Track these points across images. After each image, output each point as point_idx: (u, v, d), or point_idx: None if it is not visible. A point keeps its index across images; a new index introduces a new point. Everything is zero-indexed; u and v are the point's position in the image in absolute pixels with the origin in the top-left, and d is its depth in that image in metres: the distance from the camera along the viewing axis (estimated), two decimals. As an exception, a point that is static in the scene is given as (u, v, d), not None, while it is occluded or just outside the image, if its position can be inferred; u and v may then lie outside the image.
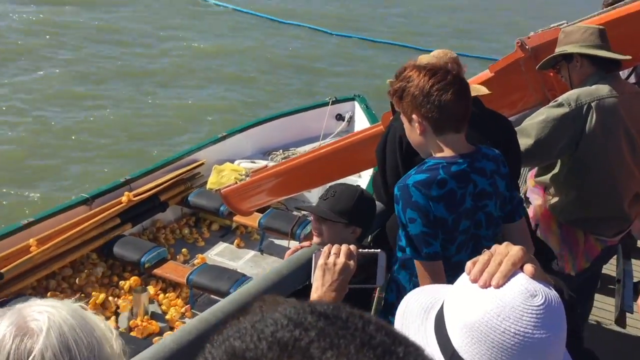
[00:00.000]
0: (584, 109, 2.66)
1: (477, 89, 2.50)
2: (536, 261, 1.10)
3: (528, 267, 1.06)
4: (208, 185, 5.68)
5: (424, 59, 2.41)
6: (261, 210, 5.20)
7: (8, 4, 12.45)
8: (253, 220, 5.24)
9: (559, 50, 2.78)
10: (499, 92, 3.16)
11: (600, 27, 2.75)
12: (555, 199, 2.93)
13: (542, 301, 1.01)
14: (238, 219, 5.33)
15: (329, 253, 1.61)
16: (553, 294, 1.03)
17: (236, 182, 4.46)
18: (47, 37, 11.09)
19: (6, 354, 0.95)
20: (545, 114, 2.71)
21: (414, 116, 1.97)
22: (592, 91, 2.68)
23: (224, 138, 6.14)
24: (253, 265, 5.16)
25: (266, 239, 5.42)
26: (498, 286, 1.03)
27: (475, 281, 1.05)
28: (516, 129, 2.66)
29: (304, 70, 11.49)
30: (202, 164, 5.85)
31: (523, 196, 3.22)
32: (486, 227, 2.04)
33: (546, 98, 3.15)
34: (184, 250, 5.18)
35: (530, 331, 0.98)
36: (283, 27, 14.70)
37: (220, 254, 5.32)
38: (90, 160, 7.09)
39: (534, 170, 3.09)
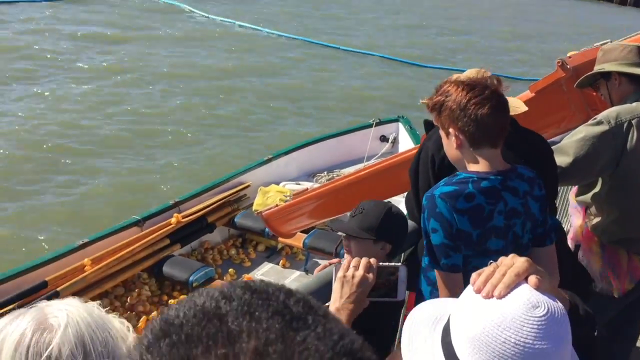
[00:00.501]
0: (624, 127, 2.62)
1: (515, 106, 2.50)
2: (544, 272, 1.12)
3: (532, 279, 1.07)
4: (254, 207, 5.79)
5: (462, 76, 2.44)
6: (306, 231, 5.26)
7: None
8: (298, 241, 5.30)
9: (597, 68, 2.76)
10: (541, 112, 3.16)
11: (638, 45, 2.73)
12: (597, 219, 2.88)
13: (544, 312, 1.01)
14: (283, 239, 5.41)
15: (349, 266, 1.63)
16: (557, 305, 1.03)
17: (277, 205, 4.53)
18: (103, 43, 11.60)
19: (26, 346, 1.01)
20: (584, 132, 2.68)
21: (451, 130, 2.01)
22: (633, 108, 2.65)
23: (269, 160, 6.26)
24: (298, 286, 5.20)
25: (311, 259, 5.47)
26: (500, 297, 1.04)
27: (479, 292, 1.07)
28: (554, 147, 2.64)
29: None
30: (249, 186, 5.98)
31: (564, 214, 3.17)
32: (514, 248, 2.02)
33: (589, 117, 3.12)
34: (231, 270, 5.29)
35: (530, 342, 0.98)
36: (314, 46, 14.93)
37: (266, 274, 5.40)
38: (141, 182, 7.35)
39: (575, 188, 3.05)
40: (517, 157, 2.24)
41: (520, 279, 1.08)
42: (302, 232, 5.09)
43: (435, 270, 2.01)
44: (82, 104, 9.54)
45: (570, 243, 3.07)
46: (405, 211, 2.59)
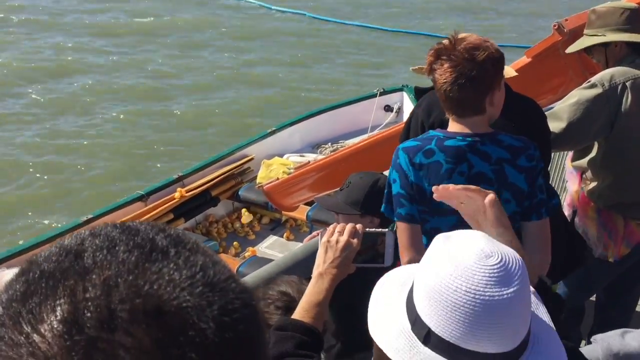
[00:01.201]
0: (619, 89, 2.58)
1: (505, 72, 2.47)
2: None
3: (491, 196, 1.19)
4: (257, 180, 5.79)
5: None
6: (309, 203, 5.27)
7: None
8: (301, 213, 5.31)
9: (591, 31, 2.69)
10: (538, 78, 3.10)
11: (634, 6, 2.65)
12: (593, 184, 2.85)
13: (496, 261, 1.01)
14: (285, 212, 5.43)
15: (333, 231, 1.62)
16: (513, 256, 1.04)
17: (278, 178, 4.53)
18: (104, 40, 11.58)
19: None
20: (577, 95, 2.63)
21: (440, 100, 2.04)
22: (627, 70, 2.60)
23: (273, 133, 6.23)
24: (286, 254, 5.24)
25: (315, 230, 5.49)
26: (445, 190, 1.16)
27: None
28: (547, 112, 2.59)
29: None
30: (252, 159, 5.98)
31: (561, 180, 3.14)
32: None
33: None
34: (235, 243, 5.32)
35: (481, 289, 0.98)
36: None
37: (271, 247, 5.43)
38: (145, 158, 7.39)
39: (571, 153, 3.01)
40: (509, 122, 2.21)
41: (476, 195, 1.25)
42: (305, 204, 5.11)
43: (395, 221, 2.05)
44: (87, 73, 9.55)
45: (567, 208, 3.06)
46: None
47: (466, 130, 2.00)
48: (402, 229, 2.01)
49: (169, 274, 0.48)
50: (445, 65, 1.97)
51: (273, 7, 15.19)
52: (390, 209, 2.05)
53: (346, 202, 2.29)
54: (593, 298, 3.44)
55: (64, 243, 0.51)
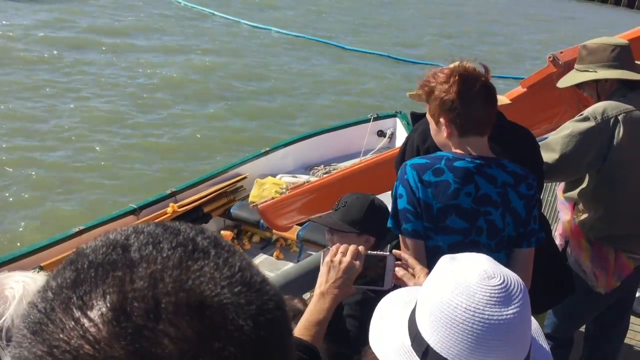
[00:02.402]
0: (611, 122, 2.62)
1: (499, 100, 2.52)
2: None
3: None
4: (250, 198, 5.81)
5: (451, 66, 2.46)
6: (300, 223, 5.29)
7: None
8: (292, 233, 5.33)
9: (582, 67, 2.75)
10: (533, 108, 3.17)
11: (624, 43, 2.71)
12: (584, 215, 2.88)
13: (498, 282, 1.02)
14: (278, 231, 5.44)
15: (337, 251, 1.66)
16: (515, 279, 1.05)
17: (272, 198, 4.54)
18: (104, 48, 11.61)
19: None
20: (570, 128, 2.67)
21: (441, 119, 2.04)
22: (618, 104, 2.65)
23: (266, 153, 6.29)
24: (287, 269, 5.24)
25: (305, 250, 5.50)
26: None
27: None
28: (541, 143, 2.63)
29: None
30: (245, 177, 6.01)
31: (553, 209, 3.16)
32: (487, 235, 2.04)
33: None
34: (225, 260, 5.29)
35: (480, 308, 1.00)
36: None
37: (260, 265, 5.42)
38: (138, 173, 7.38)
39: (563, 184, 3.05)
40: (503, 150, 2.25)
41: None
42: (297, 224, 5.12)
43: (400, 236, 2.06)
44: (84, 90, 9.56)
45: (559, 238, 3.09)
46: (389, 203, 2.60)
47: (474, 153, 2.03)
48: (407, 243, 2.03)
49: (210, 272, 0.51)
50: (471, 78, 2.00)
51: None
52: (396, 223, 2.05)
53: (343, 221, 2.31)
54: (582, 329, 3.47)
55: (110, 237, 0.54)
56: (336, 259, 1.65)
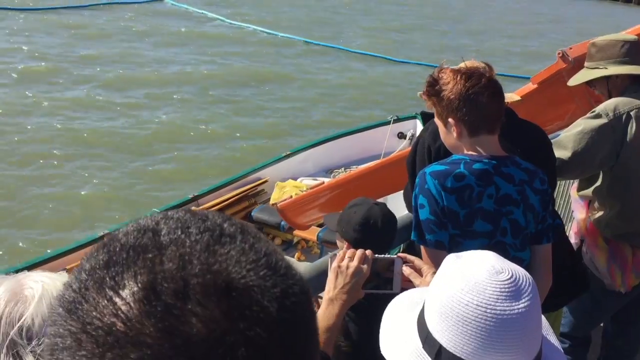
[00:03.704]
0: (623, 119, 2.61)
1: (508, 97, 2.52)
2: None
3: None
4: (271, 201, 5.88)
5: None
6: (320, 225, 5.33)
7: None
8: (312, 234, 5.38)
9: (592, 64, 2.74)
10: (544, 104, 3.16)
11: (634, 38, 2.70)
12: (600, 213, 2.85)
13: (507, 277, 1.01)
14: (298, 233, 5.49)
15: (344, 256, 1.64)
16: (523, 273, 1.04)
17: (291, 197, 4.58)
18: (123, 42, 11.86)
19: None
20: (582, 125, 2.66)
21: (450, 120, 2.01)
22: (630, 100, 2.63)
23: (287, 156, 6.33)
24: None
25: (325, 252, 5.54)
26: None
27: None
28: (553, 141, 2.62)
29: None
30: (266, 181, 6.08)
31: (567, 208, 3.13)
32: (512, 235, 2.02)
33: (593, 108, 3.11)
34: (246, 263, 5.36)
35: (492, 303, 0.98)
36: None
37: (282, 267, 5.48)
38: (160, 178, 7.53)
39: (576, 183, 3.03)
40: (515, 148, 2.23)
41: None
42: (317, 225, 5.17)
43: (422, 247, 2.03)
44: (104, 96, 9.79)
45: (574, 237, 3.06)
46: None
47: (488, 152, 2.01)
48: (429, 255, 1.98)
49: (237, 256, 0.53)
50: (476, 75, 1.98)
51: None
52: (419, 234, 2.01)
53: (344, 237, 2.25)
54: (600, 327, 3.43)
55: (141, 223, 0.56)
56: (343, 264, 1.63)
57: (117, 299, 0.50)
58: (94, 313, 0.50)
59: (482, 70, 2.02)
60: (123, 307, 0.49)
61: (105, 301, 0.50)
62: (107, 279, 0.51)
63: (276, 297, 0.52)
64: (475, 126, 1.99)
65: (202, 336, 0.48)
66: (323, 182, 5.71)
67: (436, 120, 2.12)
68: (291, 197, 4.62)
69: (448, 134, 2.07)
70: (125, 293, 0.50)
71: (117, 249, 0.53)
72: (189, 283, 0.50)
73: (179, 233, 0.54)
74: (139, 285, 0.50)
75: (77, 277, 0.54)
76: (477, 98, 1.94)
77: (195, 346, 0.48)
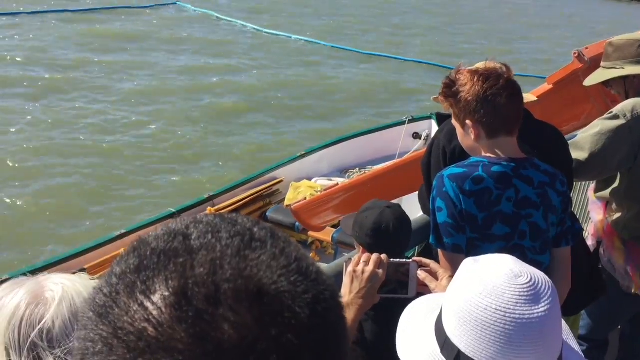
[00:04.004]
0: None
1: (525, 97, 2.49)
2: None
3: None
4: (285, 202, 5.90)
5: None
6: (335, 225, 5.33)
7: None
8: (327, 235, 5.38)
9: (608, 64, 2.71)
10: (560, 105, 3.14)
11: None
12: (618, 215, 2.82)
13: (526, 281, 1.00)
14: (313, 234, 5.49)
15: (359, 261, 1.63)
16: (542, 277, 1.02)
17: (305, 198, 4.58)
18: (130, 48, 11.96)
19: (20, 318, 1.03)
20: (599, 126, 2.63)
21: (467, 121, 1.98)
22: None
23: (302, 156, 6.35)
24: None
25: (340, 253, 5.53)
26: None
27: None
28: (570, 142, 2.60)
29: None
30: (281, 181, 6.09)
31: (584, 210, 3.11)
32: (531, 238, 1.99)
33: (609, 109, 3.07)
34: (261, 263, 5.39)
35: (511, 307, 0.97)
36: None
37: (296, 268, 5.48)
38: (177, 176, 7.58)
39: (594, 185, 3.00)
40: (531, 149, 2.22)
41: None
42: (332, 226, 5.17)
43: (439, 250, 2.01)
44: (117, 103, 9.88)
45: (591, 239, 3.03)
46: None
47: (507, 155, 1.98)
48: (447, 258, 1.96)
49: (267, 261, 0.52)
50: (494, 75, 1.95)
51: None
52: (437, 238, 1.99)
53: (358, 242, 2.24)
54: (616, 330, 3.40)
55: (171, 227, 0.56)
56: (359, 268, 1.62)
57: (148, 304, 0.50)
58: (125, 318, 0.50)
59: (500, 71, 1.99)
60: (154, 312, 0.49)
61: (137, 306, 0.50)
62: (138, 283, 0.51)
63: (308, 303, 0.52)
64: (494, 128, 1.96)
65: (233, 342, 0.48)
66: (337, 183, 5.72)
67: (454, 122, 2.09)
68: (305, 198, 4.61)
69: (466, 136, 2.04)
70: (156, 298, 0.50)
71: (148, 253, 0.53)
72: (220, 288, 0.49)
73: (210, 237, 0.54)
74: (170, 290, 0.50)
75: (108, 281, 0.54)
76: (495, 99, 1.91)
77: (227, 352, 0.47)
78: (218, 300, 0.49)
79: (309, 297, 0.52)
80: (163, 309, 0.49)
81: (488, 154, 1.99)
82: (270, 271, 0.51)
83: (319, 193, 5.24)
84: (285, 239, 0.57)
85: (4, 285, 1.09)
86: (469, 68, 2.05)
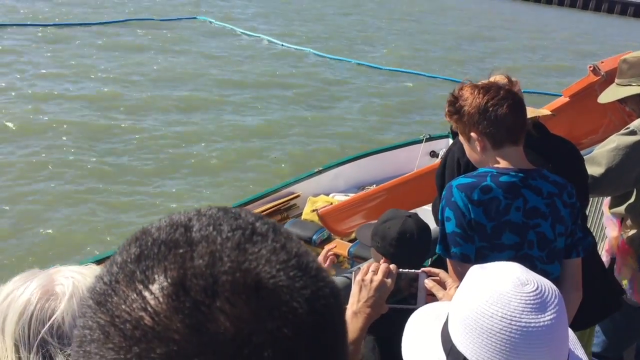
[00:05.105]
0: None
1: (538, 112, 2.52)
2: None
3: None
4: (303, 216, 5.95)
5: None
6: (351, 240, 5.37)
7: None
8: (343, 249, 5.41)
9: (624, 81, 2.73)
10: (577, 118, 3.16)
11: None
12: (634, 231, 2.81)
13: (533, 289, 1.00)
14: (329, 247, 5.51)
15: (368, 270, 1.65)
16: (549, 286, 1.02)
17: (331, 203, 4.58)
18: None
19: (30, 313, 1.02)
20: (616, 141, 2.64)
21: (472, 134, 2.04)
22: None
23: (319, 172, 6.41)
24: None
25: (356, 267, 5.56)
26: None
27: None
28: (586, 157, 2.61)
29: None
30: (298, 196, 6.15)
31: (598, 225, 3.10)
32: (539, 247, 2.01)
33: (626, 123, 3.08)
34: (277, 276, 5.42)
35: (517, 315, 0.97)
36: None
37: (312, 281, 5.50)
38: (195, 192, 7.72)
39: (608, 200, 3.00)
40: (546, 162, 2.24)
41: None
42: (348, 241, 5.19)
43: (447, 260, 2.03)
44: (133, 110, 10.07)
45: (605, 255, 3.03)
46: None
47: (514, 166, 2.01)
48: (455, 268, 1.98)
49: (267, 255, 0.52)
50: (494, 87, 2.02)
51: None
52: (445, 247, 2.01)
53: (379, 252, 2.26)
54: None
55: (174, 218, 0.56)
56: (367, 277, 1.63)
57: (146, 293, 0.50)
58: (123, 306, 0.50)
59: (500, 84, 2.06)
60: (152, 302, 0.49)
61: (135, 295, 0.50)
62: (138, 272, 0.51)
63: (306, 299, 0.51)
64: (498, 138, 2.00)
65: (229, 334, 0.48)
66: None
67: (460, 138, 2.15)
68: (331, 203, 4.63)
69: (472, 150, 2.09)
70: (154, 288, 0.50)
71: (149, 244, 0.53)
72: (218, 280, 0.49)
73: (211, 230, 0.54)
74: (169, 280, 0.50)
75: (108, 269, 0.54)
76: (497, 110, 1.97)
77: (222, 344, 0.48)
78: (215, 292, 0.49)
79: (308, 293, 0.52)
80: (160, 299, 0.49)
81: (496, 165, 2.03)
82: (269, 265, 0.52)
83: (346, 200, 5.27)
84: (287, 235, 0.57)
85: (17, 277, 1.09)
86: (471, 83, 2.11)
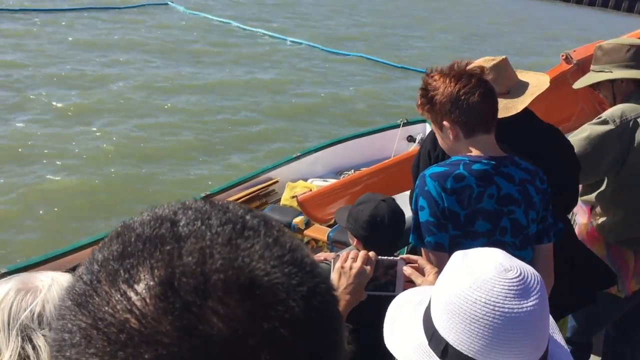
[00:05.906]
0: (630, 125, 2.61)
1: (536, 84, 2.49)
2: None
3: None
4: (281, 202, 5.97)
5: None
6: (330, 225, 5.40)
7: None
8: (322, 234, 5.45)
9: (598, 67, 2.76)
10: (549, 106, 3.20)
11: None
12: (603, 219, 2.85)
13: (515, 275, 1.00)
14: (308, 232, 5.56)
15: (347, 257, 1.67)
16: (532, 272, 1.03)
17: (310, 190, 4.58)
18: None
19: (10, 303, 1.04)
20: (588, 130, 2.66)
21: (445, 123, 2.04)
22: (636, 107, 2.64)
23: (298, 158, 6.44)
24: None
25: (335, 252, 5.58)
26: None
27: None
28: None
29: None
30: (277, 181, 6.17)
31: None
32: (512, 234, 2.04)
33: (598, 112, 3.09)
34: (256, 262, 5.44)
35: (500, 301, 0.97)
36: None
37: (292, 267, 5.53)
38: (172, 175, 7.69)
39: (579, 187, 3.01)
40: (533, 150, 2.24)
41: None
42: (327, 226, 5.22)
43: (422, 249, 2.05)
44: (126, 105, 9.95)
45: None
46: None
47: (486, 153, 2.03)
48: (430, 257, 1.98)
49: (260, 251, 0.49)
50: (465, 76, 2.01)
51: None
52: (418, 237, 2.01)
53: (352, 234, 2.31)
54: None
55: (157, 212, 0.53)
56: (347, 264, 1.64)
57: (131, 294, 0.46)
58: (106, 308, 0.47)
59: (471, 71, 2.07)
60: (138, 303, 0.46)
61: (119, 295, 0.47)
62: (122, 271, 0.48)
63: (302, 296, 0.49)
64: (470, 126, 2.01)
65: (223, 337, 0.45)
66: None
67: (432, 126, 2.16)
68: (310, 190, 4.63)
69: (445, 138, 2.10)
70: (140, 287, 0.47)
71: (133, 240, 0.50)
72: (209, 279, 0.46)
73: (199, 224, 0.50)
74: (156, 279, 0.47)
75: (88, 268, 0.50)
76: (469, 98, 1.97)
77: (215, 347, 0.45)
78: (207, 291, 0.46)
79: (304, 290, 0.49)
80: (147, 300, 0.46)
81: (468, 153, 2.04)
82: (263, 262, 0.48)
83: (325, 186, 5.28)
84: (279, 228, 0.54)
85: None
86: (440, 71, 2.10)
